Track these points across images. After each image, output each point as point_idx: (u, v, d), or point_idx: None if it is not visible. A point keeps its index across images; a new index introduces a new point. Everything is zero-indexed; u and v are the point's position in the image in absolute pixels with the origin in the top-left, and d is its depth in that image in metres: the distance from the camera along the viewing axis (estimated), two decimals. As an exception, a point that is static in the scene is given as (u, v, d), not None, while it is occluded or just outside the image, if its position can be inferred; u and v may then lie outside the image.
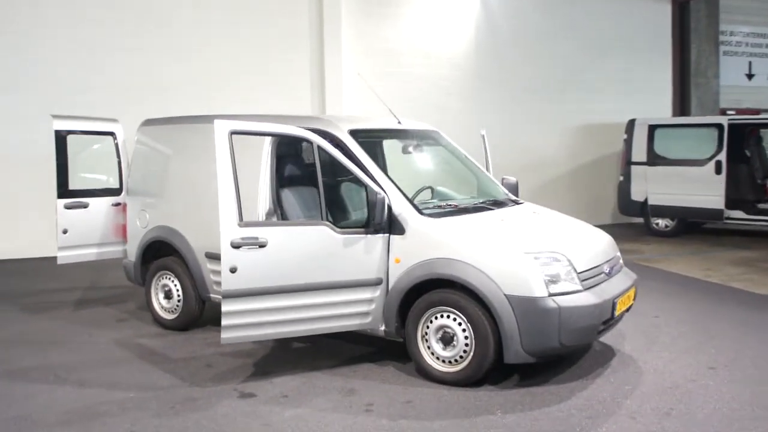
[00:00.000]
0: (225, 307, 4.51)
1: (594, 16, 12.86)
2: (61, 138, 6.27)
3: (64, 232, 6.31)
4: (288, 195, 5.52)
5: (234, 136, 4.59)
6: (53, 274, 8.18)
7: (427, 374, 4.85)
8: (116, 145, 6.66)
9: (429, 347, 4.84)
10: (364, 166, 5.07)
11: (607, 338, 5.69)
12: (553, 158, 12.75)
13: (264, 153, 5.45)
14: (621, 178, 11.70)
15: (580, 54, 12.72)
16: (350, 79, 11.51)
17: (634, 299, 5.29)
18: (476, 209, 5.38)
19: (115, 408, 4.47)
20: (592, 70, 12.80)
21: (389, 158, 6.35)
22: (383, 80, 11.73)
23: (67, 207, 6.32)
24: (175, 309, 6.18)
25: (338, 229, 4.82)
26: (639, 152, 11.37)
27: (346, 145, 5.18)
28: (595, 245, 5.18)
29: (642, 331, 5.99)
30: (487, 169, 7.13)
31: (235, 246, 4.48)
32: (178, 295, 6.14)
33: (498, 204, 5.69)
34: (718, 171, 10.50)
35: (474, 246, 4.69)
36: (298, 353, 5.58)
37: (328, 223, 4.81)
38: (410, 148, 6.00)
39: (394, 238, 4.93)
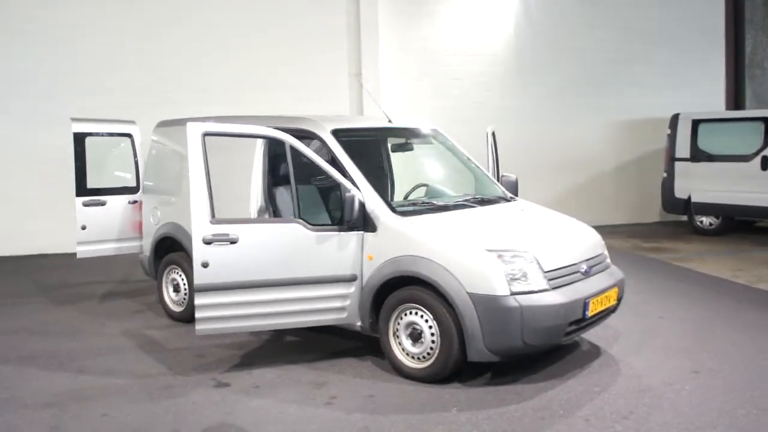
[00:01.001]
0: (198, 300, 4.72)
1: (639, 5, 12.40)
2: (79, 140, 6.67)
3: (83, 228, 6.72)
4: (281, 193, 5.70)
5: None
6: (90, 267, 8.64)
7: (398, 370, 4.91)
8: (133, 146, 7.02)
9: (400, 343, 4.90)
10: (342, 165, 5.18)
11: (598, 338, 5.61)
12: (597, 155, 12.43)
13: (257, 151, 5.65)
14: (665, 175, 11.29)
15: (625, 45, 12.31)
16: (388, 79, 11.62)
17: (618, 300, 5.18)
18: (455, 207, 5.39)
19: (99, 393, 4.76)
20: (639, 62, 12.38)
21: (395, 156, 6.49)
22: (421, 79, 11.83)
23: (86, 204, 6.72)
24: (183, 302, 6.48)
25: (311, 226, 4.94)
26: (682, 148, 10.94)
27: (327, 145, 5.31)
28: (572, 244, 5.10)
29: (639, 332, 5.84)
30: (497, 168, 7.13)
31: (207, 242, 4.68)
32: (185, 289, 6.43)
33: (485, 202, 5.68)
34: (764, 167, 9.96)
35: (438, 244, 4.71)
36: (287, 346, 5.75)
37: (300, 220, 4.94)
38: (398, 147, 6.06)
39: (368, 235, 5.01)
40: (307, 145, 5.28)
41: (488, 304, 4.46)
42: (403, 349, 4.88)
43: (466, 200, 5.60)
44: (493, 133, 7.24)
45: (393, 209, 5.03)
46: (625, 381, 4.73)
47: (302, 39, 11.30)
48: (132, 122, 7.11)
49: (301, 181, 5.48)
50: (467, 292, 4.51)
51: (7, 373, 5.24)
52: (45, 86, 10.36)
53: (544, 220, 5.50)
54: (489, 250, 4.57)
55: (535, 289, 4.53)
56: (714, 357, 5.19)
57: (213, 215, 4.72)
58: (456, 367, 4.67)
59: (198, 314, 4.76)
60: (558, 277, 4.68)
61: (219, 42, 10.99)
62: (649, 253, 9.58)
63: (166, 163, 6.77)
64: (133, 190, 7.02)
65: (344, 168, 5.16)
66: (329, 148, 5.28)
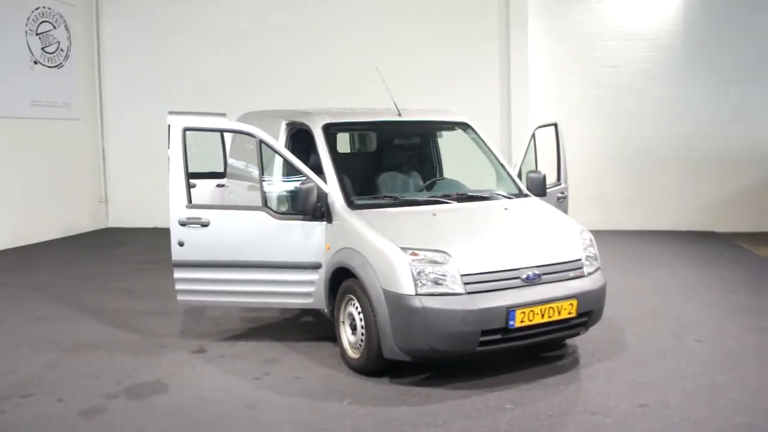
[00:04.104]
0: (176, 275, 5.38)
1: None
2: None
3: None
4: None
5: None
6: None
7: (344, 358, 5.06)
8: (222, 135, 7.90)
9: (345, 332, 5.04)
10: (320, 157, 5.43)
11: (591, 352, 5.22)
12: (783, 152, 10.58)
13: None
14: None
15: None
16: (538, 70, 11.20)
17: (581, 314, 4.70)
18: (423, 203, 5.32)
19: (110, 344, 5.68)
20: None
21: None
22: (575, 67, 11.20)
23: (179, 186, 7.75)
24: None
25: (276, 215, 5.28)
26: None
27: (314, 138, 5.58)
28: (520, 248, 4.74)
29: (644, 353, 5.22)
30: (558, 164, 6.80)
31: (182, 224, 5.29)
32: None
33: (471, 198, 5.57)
34: None
35: (367, 238, 4.76)
36: (295, 326, 6.18)
37: (266, 208, 5.30)
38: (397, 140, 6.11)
39: (328, 226, 5.20)
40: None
41: (396, 302, 4.44)
42: (347, 338, 5.02)
43: (445, 195, 5.47)
44: (555, 126, 6.80)
45: (350, 202, 5.15)
46: (548, 404, 4.31)
47: (450, 31, 11.34)
48: (223, 114, 7.98)
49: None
50: (382, 288, 4.52)
51: (70, 319, 6.46)
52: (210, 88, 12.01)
53: (507, 222, 5.18)
54: (402, 248, 4.50)
55: (446, 292, 4.37)
56: (691, 393, 4.45)
57: (189, 200, 5.32)
58: (377, 362, 4.68)
59: (177, 286, 5.42)
60: (481, 282, 4.44)
61: (364, 38, 11.55)
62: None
63: (240, 152, 7.53)
64: (220, 175, 7.91)
65: (321, 160, 5.41)
66: (314, 140, 5.55)
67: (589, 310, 4.76)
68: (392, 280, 4.47)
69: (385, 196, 5.44)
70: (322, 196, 5.17)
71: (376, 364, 4.71)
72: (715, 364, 4.96)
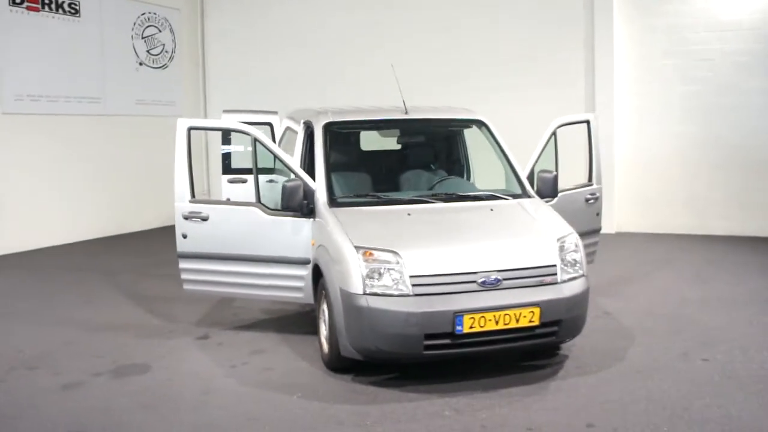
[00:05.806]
0: (180, 265, 5.72)
1: None
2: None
3: (227, 200, 8.21)
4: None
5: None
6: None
7: (320, 354, 5.15)
8: (272, 133, 8.22)
9: (321, 328, 5.12)
10: (313, 157, 5.56)
11: (580, 364, 4.95)
12: None
13: (297, 140, 6.33)
14: None
15: None
16: (623, 62, 10.60)
17: (546, 323, 4.46)
18: (407, 202, 5.29)
19: (133, 326, 6.16)
20: None
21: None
22: (665, 61, 10.50)
23: (230, 181, 8.18)
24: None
25: (268, 211, 5.47)
26: None
27: (314, 137, 5.71)
28: (480, 251, 4.57)
29: (643, 370, 4.86)
30: (590, 163, 6.51)
31: (185, 217, 5.62)
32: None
33: (455, 199, 5.46)
34: None
35: (331, 236, 4.82)
36: (312, 320, 6.27)
37: (260, 204, 5.50)
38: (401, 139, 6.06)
39: (314, 222, 5.32)
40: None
41: (348, 301, 4.48)
42: (323, 334, 5.10)
43: (434, 195, 5.40)
44: (588, 123, 6.45)
45: (333, 200, 5.23)
46: (490, 414, 4.14)
47: (533, 26, 10.99)
48: (274, 112, 8.32)
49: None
50: (339, 287, 4.57)
51: (112, 303, 7.05)
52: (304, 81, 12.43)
53: (480, 224, 5.00)
54: (356, 247, 4.52)
55: (389, 293, 4.34)
56: (652, 417, 4.09)
57: (192, 195, 5.64)
58: (338, 360, 4.74)
59: (182, 276, 5.76)
60: (430, 284, 4.36)
61: (442, 37, 11.48)
62: None
63: (290, 146, 7.81)
64: (271, 171, 8.24)
65: (314, 160, 5.54)
66: (313, 139, 5.68)
67: (557, 320, 4.51)
68: (346, 278, 4.51)
69: (369, 195, 5.47)
70: (310, 194, 5.29)
71: (337, 362, 4.78)
72: (706, 389, 4.51)
